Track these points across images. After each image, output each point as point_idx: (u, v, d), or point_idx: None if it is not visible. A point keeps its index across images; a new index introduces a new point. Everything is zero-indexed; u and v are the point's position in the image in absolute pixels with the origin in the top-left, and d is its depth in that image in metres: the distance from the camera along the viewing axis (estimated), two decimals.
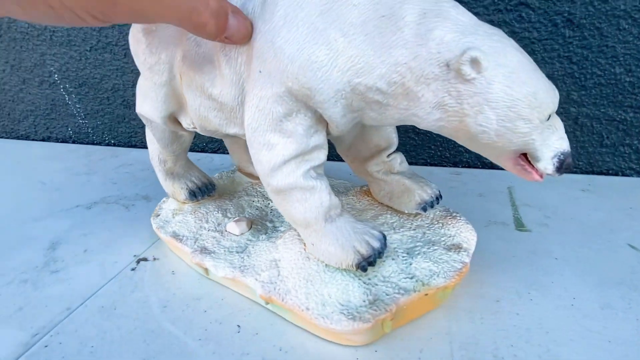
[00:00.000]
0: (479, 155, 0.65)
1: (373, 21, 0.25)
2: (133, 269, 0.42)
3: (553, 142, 0.27)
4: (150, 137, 0.44)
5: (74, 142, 0.83)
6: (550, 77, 0.56)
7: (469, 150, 0.65)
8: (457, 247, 0.34)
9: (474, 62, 0.24)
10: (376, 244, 0.30)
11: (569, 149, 0.27)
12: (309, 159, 0.30)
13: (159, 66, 0.35)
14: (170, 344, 0.32)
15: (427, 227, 0.36)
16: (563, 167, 0.27)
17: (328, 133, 0.31)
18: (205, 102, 0.34)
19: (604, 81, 0.55)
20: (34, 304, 0.37)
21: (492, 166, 0.66)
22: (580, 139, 0.60)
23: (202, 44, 0.32)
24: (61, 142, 0.83)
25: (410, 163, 0.68)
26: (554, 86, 0.28)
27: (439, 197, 0.38)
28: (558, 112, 0.59)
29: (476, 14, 0.55)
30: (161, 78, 0.35)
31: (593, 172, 0.62)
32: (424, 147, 0.67)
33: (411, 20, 0.25)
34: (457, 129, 0.27)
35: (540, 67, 0.63)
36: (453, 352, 0.31)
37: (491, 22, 0.55)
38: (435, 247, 0.34)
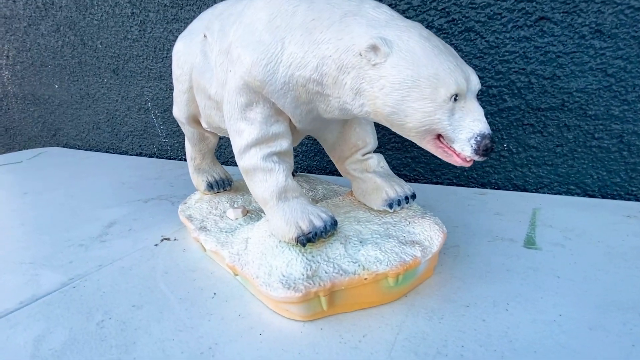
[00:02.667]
0: (509, 176, 0.62)
1: (307, 23, 0.30)
2: (156, 245, 0.50)
3: (467, 124, 0.27)
4: (186, 140, 0.54)
5: (157, 157, 1.01)
6: (583, 91, 0.52)
7: (497, 171, 0.62)
8: (414, 243, 0.34)
9: (375, 49, 0.27)
10: (319, 223, 0.32)
11: (487, 131, 0.27)
12: (270, 145, 0.35)
13: (182, 77, 0.45)
14: (157, 298, 0.39)
15: (394, 224, 0.37)
16: (481, 149, 0.27)
17: (295, 129, 0.36)
18: (207, 102, 0.42)
19: None
20: (80, 260, 0.47)
21: (525, 189, 0.61)
22: (629, 160, 0.53)
23: (208, 57, 0.41)
24: (148, 157, 1.02)
25: (435, 182, 0.67)
26: (465, 69, 0.28)
27: (408, 197, 0.38)
28: (599, 128, 0.54)
29: (494, 31, 0.55)
30: (184, 86, 0.45)
31: None
32: (450, 167, 0.66)
33: (335, 20, 0.29)
34: (376, 112, 0.29)
35: (570, 81, 0.62)
36: (396, 342, 0.31)
37: (510, 39, 0.54)
38: (391, 240, 0.34)
